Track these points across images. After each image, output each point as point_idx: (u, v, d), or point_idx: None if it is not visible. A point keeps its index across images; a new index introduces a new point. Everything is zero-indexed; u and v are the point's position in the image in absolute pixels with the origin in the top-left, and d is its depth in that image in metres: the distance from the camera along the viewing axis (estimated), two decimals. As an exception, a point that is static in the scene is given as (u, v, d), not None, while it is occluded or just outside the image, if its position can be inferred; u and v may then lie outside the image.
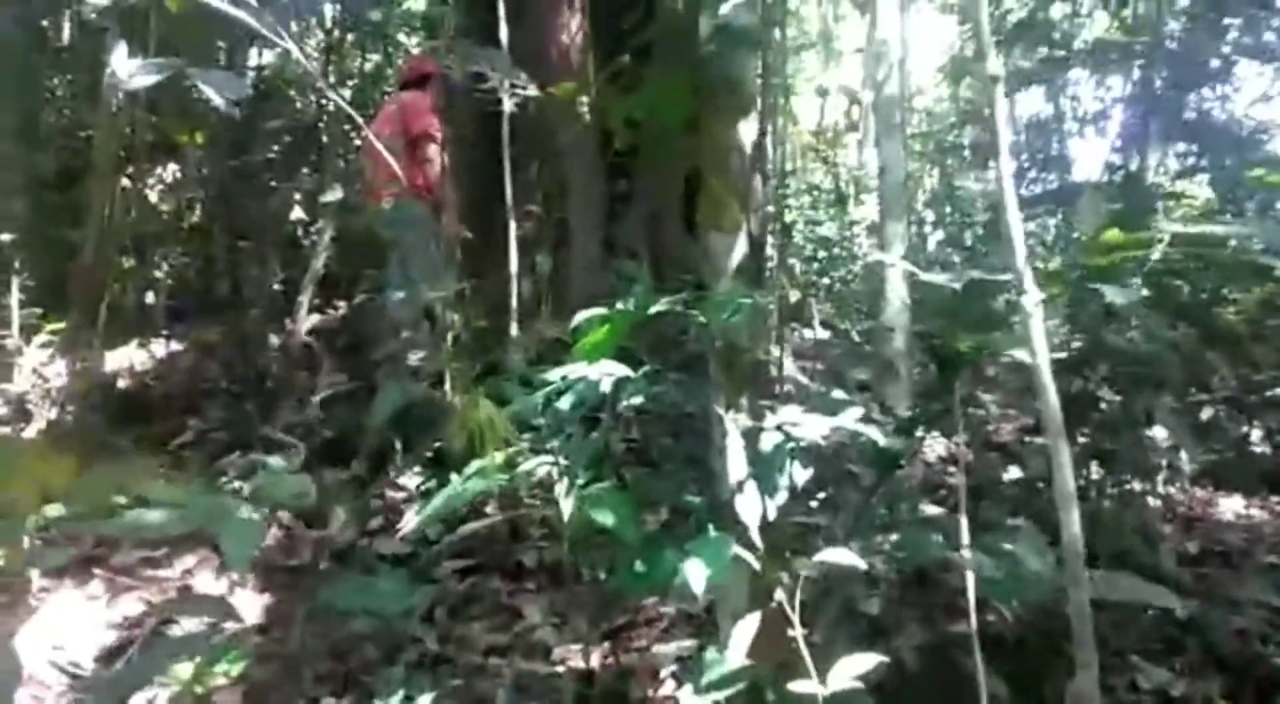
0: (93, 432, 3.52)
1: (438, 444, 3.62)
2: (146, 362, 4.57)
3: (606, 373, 1.86)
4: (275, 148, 5.04)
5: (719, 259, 2.17)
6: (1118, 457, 2.70)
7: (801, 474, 1.76)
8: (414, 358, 4.01)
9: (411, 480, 3.61)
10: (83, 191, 4.55)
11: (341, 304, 4.99)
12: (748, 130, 2.22)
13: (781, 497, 1.70)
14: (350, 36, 5.56)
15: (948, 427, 2.17)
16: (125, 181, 4.64)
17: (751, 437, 1.82)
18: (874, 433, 1.83)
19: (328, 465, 3.72)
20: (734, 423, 1.86)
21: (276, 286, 5.20)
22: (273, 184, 5.23)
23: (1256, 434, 4.20)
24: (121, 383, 4.32)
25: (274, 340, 4.79)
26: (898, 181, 4.77)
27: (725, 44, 2.01)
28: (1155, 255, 1.58)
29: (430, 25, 5.68)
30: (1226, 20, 7.89)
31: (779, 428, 1.84)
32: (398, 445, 3.59)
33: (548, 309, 3.88)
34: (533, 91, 3.19)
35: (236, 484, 3.32)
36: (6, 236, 4.98)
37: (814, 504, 1.97)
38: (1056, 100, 11.02)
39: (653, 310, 1.85)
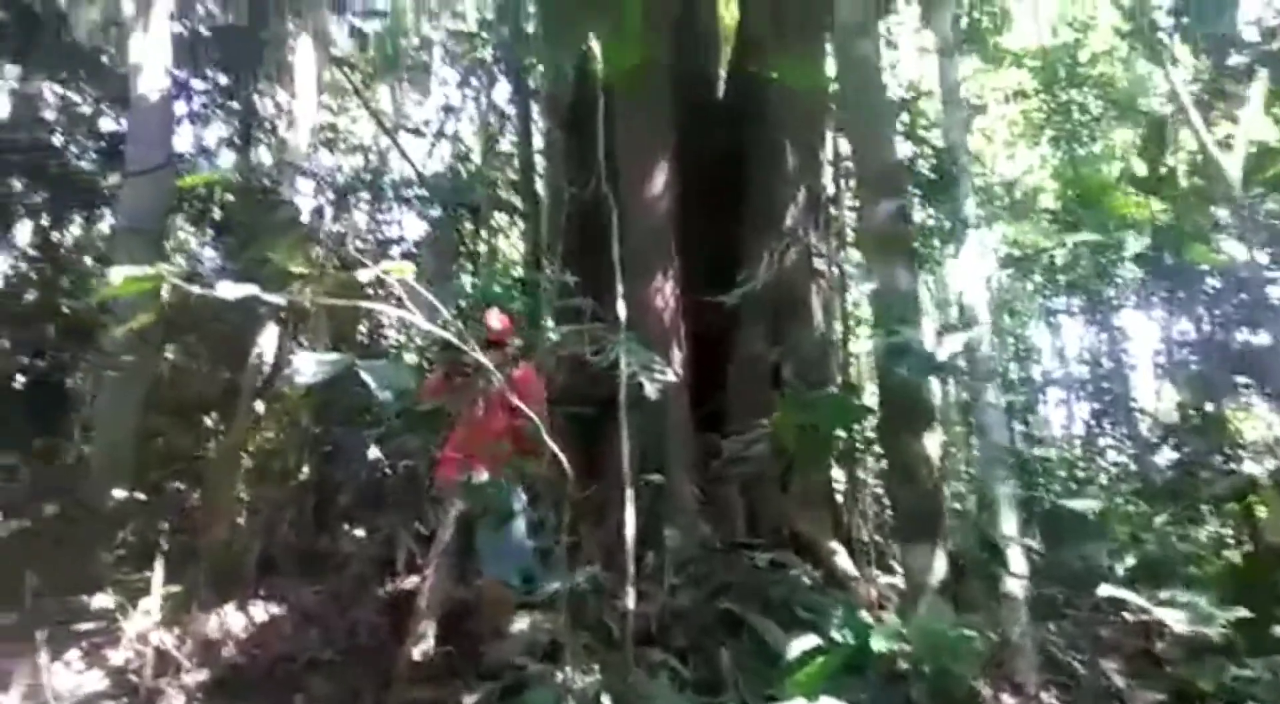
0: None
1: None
2: (246, 626, 4.49)
3: (832, 714, 1.79)
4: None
5: (917, 575, 2.14)
6: None
7: None
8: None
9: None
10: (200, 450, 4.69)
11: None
12: (932, 443, 2.27)
13: None
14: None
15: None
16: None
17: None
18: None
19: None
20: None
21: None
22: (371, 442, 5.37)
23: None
24: (225, 652, 4.22)
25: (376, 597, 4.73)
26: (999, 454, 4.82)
27: (912, 371, 2.09)
28: None
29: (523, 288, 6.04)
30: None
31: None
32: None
33: (669, 580, 3.82)
34: (670, 377, 3.30)
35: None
36: (121, 493, 5.10)
37: None
38: (1111, 335, 11.30)
39: (875, 646, 1.81)
